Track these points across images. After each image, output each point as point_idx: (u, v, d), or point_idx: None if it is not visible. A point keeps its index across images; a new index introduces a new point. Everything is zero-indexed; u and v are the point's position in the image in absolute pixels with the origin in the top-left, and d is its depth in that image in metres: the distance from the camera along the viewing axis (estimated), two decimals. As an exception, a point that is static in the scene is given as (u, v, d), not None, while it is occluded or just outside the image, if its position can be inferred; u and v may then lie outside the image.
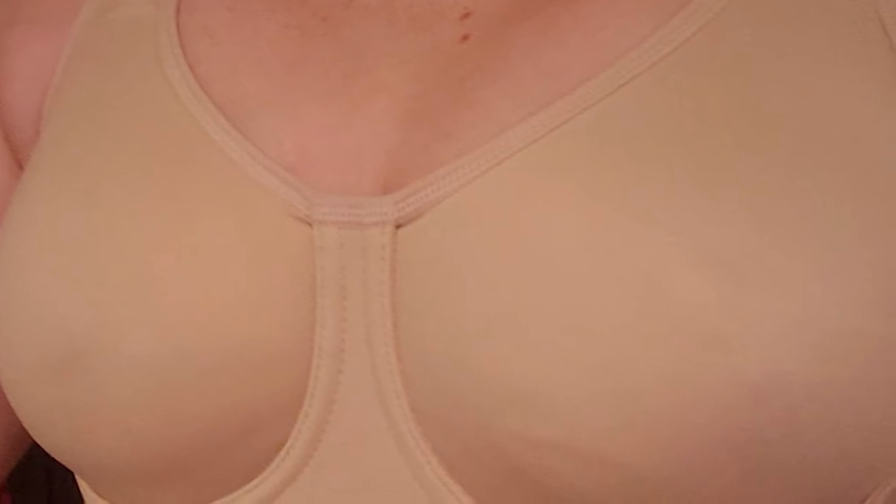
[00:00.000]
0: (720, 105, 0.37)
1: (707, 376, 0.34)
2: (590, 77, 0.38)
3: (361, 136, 0.40)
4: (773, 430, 0.34)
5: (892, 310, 0.35)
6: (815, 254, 0.35)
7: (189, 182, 0.40)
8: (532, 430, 0.35)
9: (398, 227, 0.38)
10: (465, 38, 0.41)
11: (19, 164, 0.49)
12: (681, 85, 0.37)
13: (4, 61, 0.48)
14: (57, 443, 0.41)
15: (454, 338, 0.36)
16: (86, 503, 0.46)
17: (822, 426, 0.34)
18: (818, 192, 0.36)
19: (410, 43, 0.41)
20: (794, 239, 0.35)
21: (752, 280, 0.34)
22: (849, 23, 0.38)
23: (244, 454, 0.39)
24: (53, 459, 0.43)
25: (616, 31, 0.39)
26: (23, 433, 0.46)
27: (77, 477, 0.47)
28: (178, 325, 0.38)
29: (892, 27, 0.38)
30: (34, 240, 0.41)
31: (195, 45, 0.44)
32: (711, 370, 0.34)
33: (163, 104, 0.42)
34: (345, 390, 0.39)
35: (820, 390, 0.34)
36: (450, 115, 0.39)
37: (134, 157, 0.41)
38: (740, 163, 0.36)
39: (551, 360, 0.35)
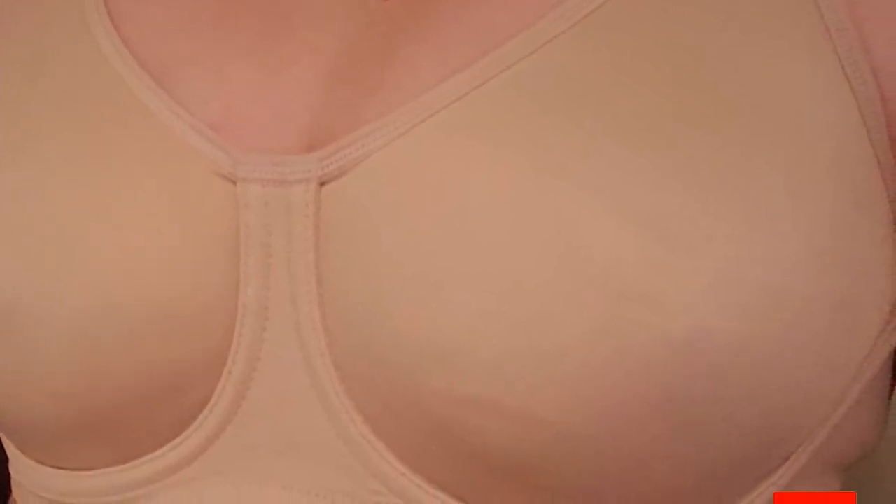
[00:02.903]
0: (643, 65, 0.37)
1: (630, 333, 0.34)
2: (513, 35, 0.38)
3: (286, 95, 0.40)
4: (697, 388, 0.34)
5: (817, 268, 0.36)
6: (740, 212, 0.35)
7: (115, 141, 0.40)
8: (454, 387, 0.35)
9: (322, 184, 0.38)
10: None
11: None
12: (604, 44, 0.37)
13: None
14: None
15: (377, 296, 0.36)
16: (10, 461, 0.46)
17: (747, 384, 0.35)
18: (743, 150, 0.36)
19: (335, 1, 0.41)
20: (718, 196, 0.35)
21: (676, 237, 0.34)
22: None
23: (169, 411, 0.39)
24: (-23, 418, 0.43)
25: None
26: None
27: (1, 435, 0.46)
28: (104, 283, 0.38)
29: None
30: None
31: (121, 3, 0.44)
32: (634, 327, 0.34)
33: (89, 63, 0.42)
34: (269, 348, 0.39)
35: (744, 348, 0.34)
36: (374, 73, 0.39)
37: (61, 116, 0.41)
38: (663, 121, 0.36)
39: (472, 317, 0.35)
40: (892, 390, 0.43)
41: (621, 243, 0.34)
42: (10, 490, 0.47)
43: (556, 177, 0.35)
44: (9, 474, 0.47)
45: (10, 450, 0.45)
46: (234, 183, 0.38)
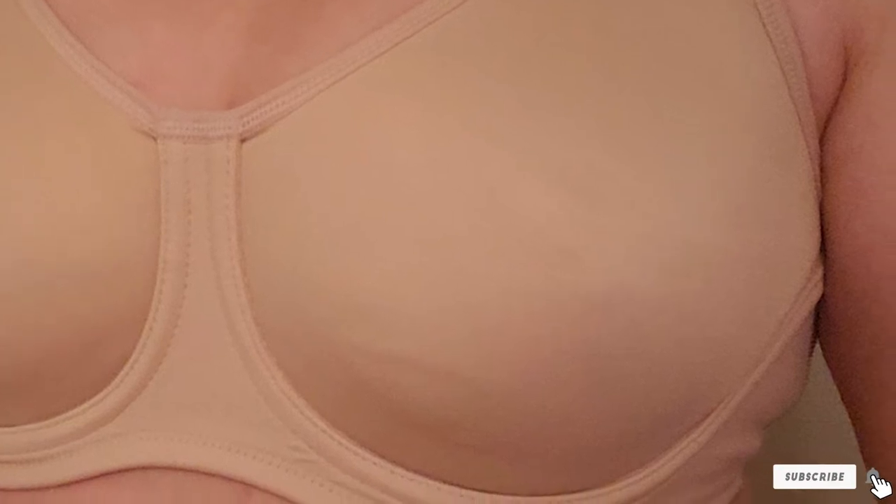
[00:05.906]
0: (571, 23, 0.37)
1: (552, 290, 0.34)
2: None
3: (207, 52, 0.39)
4: (618, 344, 0.35)
5: (735, 224, 0.36)
6: (662, 171, 0.35)
7: (35, 97, 0.40)
8: (376, 343, 0.35)
9: (243, 141, 0.38)
10: None
11: None
12: (529, 1, 0.37)
13: None
14: None
15: (298, 251, 0.36)
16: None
17: (667, 340, 0.35)
18: (666, 110, 0.36)
19: None
20: (641, 156, 0.35)
21: (598, 196, 0.35)
22: None
23: (90, 368, 0.39)
24: None
25: None
26: None
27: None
28: (22, 238, 0.38)
29: None
30: None
31: None
32: (556, 284, 0.34)
33: (9, 20, 0.42)
34: (190, 304, 0.38)
35: (665, 304, 0.35)
36: (295, 29, 0.39)
37: None
38: (585, 79, 0.36)
39: (395, 273, 0.35)
40: (812, 348, 0.43)
41: (544, 201, 0.34)
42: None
43: (477, 133, 0.35)
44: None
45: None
46: (155, 139, 0.38)
